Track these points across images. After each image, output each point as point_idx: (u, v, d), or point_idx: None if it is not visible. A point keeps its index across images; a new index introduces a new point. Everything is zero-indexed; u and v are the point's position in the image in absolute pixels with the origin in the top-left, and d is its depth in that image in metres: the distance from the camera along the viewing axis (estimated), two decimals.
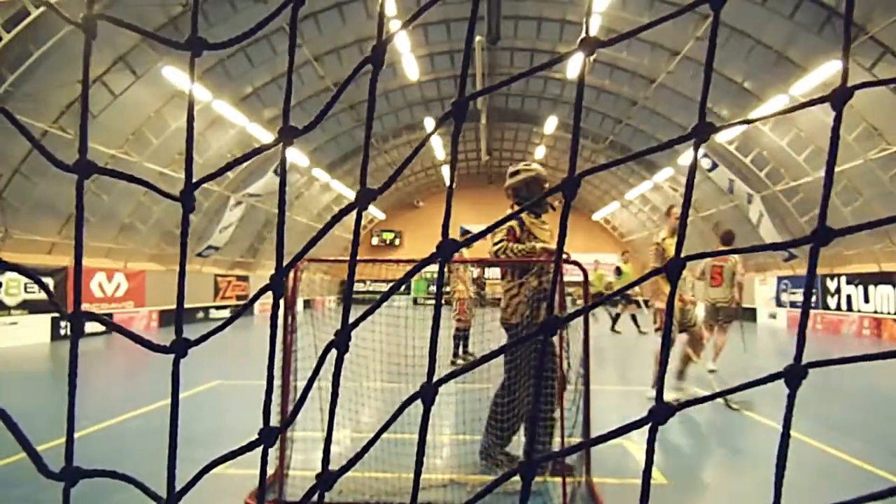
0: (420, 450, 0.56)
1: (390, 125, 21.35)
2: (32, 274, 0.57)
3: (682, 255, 0.54)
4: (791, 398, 0.50)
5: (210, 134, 15.04)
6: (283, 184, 0.62)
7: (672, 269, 0.54)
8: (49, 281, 12.39)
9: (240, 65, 13.94)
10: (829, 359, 0.51)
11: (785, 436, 0.51)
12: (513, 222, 3.93)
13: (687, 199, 0.53)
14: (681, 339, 6.27)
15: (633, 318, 14.11)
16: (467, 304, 9.15)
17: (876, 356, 0.52)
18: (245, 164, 18.03)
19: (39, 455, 0.52)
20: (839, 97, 0.50)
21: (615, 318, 14.40)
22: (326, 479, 0.55)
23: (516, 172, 4.20)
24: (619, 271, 14.47)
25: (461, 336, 9.00)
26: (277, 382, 3.36)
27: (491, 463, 3.91)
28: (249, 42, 13.21)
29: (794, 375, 0.50)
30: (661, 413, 0.52)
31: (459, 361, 8.75)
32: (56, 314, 12.34)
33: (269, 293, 0.59)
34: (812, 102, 0.54)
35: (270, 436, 0.56)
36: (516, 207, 4.01)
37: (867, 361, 0.53)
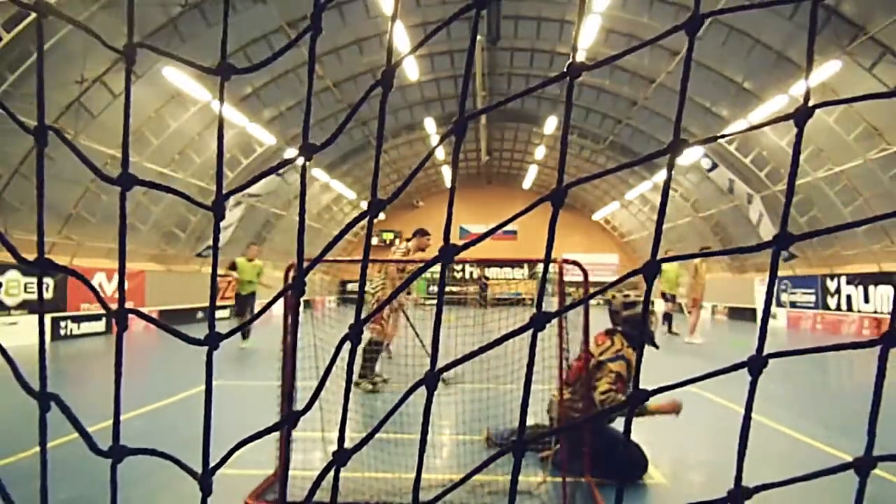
0: (423, 437, 0.63)
1: (390, 125, 21.36)
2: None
3: None
4: (753, 385, 0.58)
5: (209, 134, 15.04)
6: (303, 194, 0.71)
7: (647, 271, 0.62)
8: (49, 281, 12.39)
9: (239, 65, 13.87)
10: (787, 350, 0.60)
11: (747, 418, 0.60)
12: (622, 365, 3.74)
13: (662, 206, 0.62)
14: None
15: (669, 317, 13.26)
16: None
17: (829, 348, 0.62)
18: (244, 164, 17.99)
19: (90, 435, 0.61)
20: (801, 115, 0.55)
21: (669, 320, 13.32)
22: (342, 456, 0.62)
23: (632, 304, 4.03)
24: (659, 269, 14.03)
25: (374, 350, 6.41)
26: (275, 385, 3.36)
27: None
28: (248, 42, 13.22)
29: (755, 365, 0.58)
30: (638, 398, 0.61)
31: (369, 385, 6.31)
32: (56, 314, 12.36)
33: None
34: (776, 120, 0.60)
35: (292, 417, 0.63)
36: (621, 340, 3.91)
37: (827, 352, 0.62)
